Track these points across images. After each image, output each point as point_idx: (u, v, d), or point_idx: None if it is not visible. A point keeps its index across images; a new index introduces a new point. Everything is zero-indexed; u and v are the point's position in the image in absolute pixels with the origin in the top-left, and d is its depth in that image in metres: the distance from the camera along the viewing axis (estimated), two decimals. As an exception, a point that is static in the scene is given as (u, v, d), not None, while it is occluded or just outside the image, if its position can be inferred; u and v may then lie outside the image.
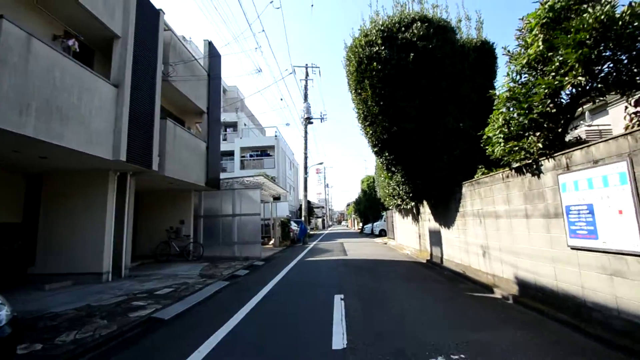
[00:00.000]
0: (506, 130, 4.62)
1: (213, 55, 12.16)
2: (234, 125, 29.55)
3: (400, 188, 8.76)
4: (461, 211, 7.13)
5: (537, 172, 4.39)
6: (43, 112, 4.91)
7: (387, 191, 11.44)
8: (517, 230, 4.94)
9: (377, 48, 7.36)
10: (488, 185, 5.84)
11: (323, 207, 58.97)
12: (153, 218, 11.70)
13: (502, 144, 4.74)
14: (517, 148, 4.51)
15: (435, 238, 8.87)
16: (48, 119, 5.00)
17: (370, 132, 7.86)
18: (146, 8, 7.78)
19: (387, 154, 7.88)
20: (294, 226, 20.08)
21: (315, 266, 9.04)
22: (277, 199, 21.30)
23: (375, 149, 8.12)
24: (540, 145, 4.22)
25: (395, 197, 10.52)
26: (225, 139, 29.09)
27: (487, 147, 5.21)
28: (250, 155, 28.44)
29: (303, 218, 19.44)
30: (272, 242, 17.33)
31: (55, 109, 5.15)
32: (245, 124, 30.27)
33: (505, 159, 4.82)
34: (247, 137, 29.30)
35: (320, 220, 55.34)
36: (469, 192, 6.73)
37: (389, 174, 9.06)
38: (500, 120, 4.67)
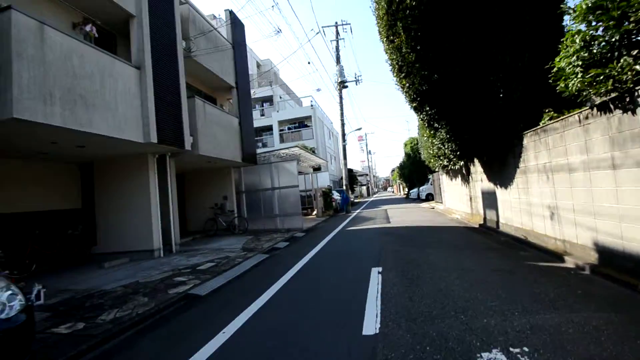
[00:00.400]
0: (586, 54, 3.50)
1: (235, 25, 11.64)
2: (270, 100, 29.38)
3: (446, 147, 7.75)
4: (522, 167, 6.04)
5: (631, 106, 3.29)
6: (67, 101, 4.95)
7: (431, 152, 10.38)
8: (599, 186, 3.92)
9: (410, -19, 6.19)
10: (558, 132, 4.72)
11: (367, 175, 57.92)
12: (199, 196, 12.24)
13: (579, 75, 3.63)
14: (602, 77, 3.40)
15: (490, 200, 7.85)
16: (73, 107, 5.05)
17: (407, 84, 6.89)
18: (157, -19, 7.42)
19: (427, 108, 6.89)
20: (336, 195, 19.84)
21: (355, 236, 8.69)
22: (317, 169, 21.10)
23: (414, 104, 7.16)
24: (638, 67, 3.09)
25: (441, 158, 9.48)
26: (263, 114, 29.24)
27: (557, 83, 4.10)
28: (289, 128, 28.31)
29: (344, 187, 19.05)
30: (315, 212, 17.37)
31: (78, 96, 5.18)
32: (280, 97, 29.91)
33: (585, 93, 3.72)
34: (284, 110, 29.04)
35: (364, 187, 54.70)
36: (532, 143, 5.61)
37: (432, 132, 8.05)
38: (577, 41, 3.54)
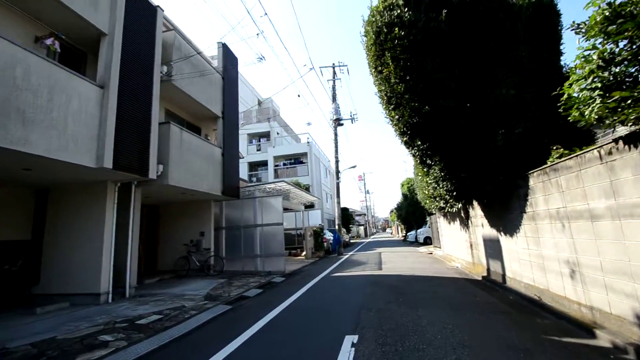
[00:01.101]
0: (605, 74, 2.82)
1: (227, 57, 11.53)
2: (267, 135, 29.39)
3: (441, 186, 6.93)
4: (529, 212, 5.17)
5: (674, 138, 2.53)
6: (-3, 113, 4.25)
7: (426, 192, 9.57)
8: (636, 239, 3.03)
9: (399, 11, 5.85)
10: (573, 171, 3.93)
11: (365, 214, 56.71)
12: (174, 230, 11.20)
13: (597, 100, 2.93)
14: (629, 101, 2.69)
15: (493, 249, 6.86)
16: (5, 121, 4.33)
17: (397, 117, 6.28)
18: (139, 3, 7.18)
19: (419, 142, 6.20)
20: (328, 235, 18.67)
21: (339, 285, 7.53)
22: (309, 206, 20.18)
23: (405, 138, 6.49)
24: (681, 88, 2.38)
25: (437, 199, 8.63)
26: (259, 149, 29.05)
27: (569, 112, 3.40)
28: (284, 164, 27.90)
29: (337, 227, 17.97)
30: (304, 253, 16.09)
31: (15, 110, 4.49)
32: (278, 133, 29.93)
33: (608, 122, 2.99)
34: (281, 146, 28.87)
35: (362, 228, 53.16)
36: (540, 184, 4.80)
37: (425, 169, 7.28)
38: (594, 60, 2.88)
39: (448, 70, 5.60)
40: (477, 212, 7.71)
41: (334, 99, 18.94)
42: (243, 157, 20.02)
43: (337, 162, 18.44)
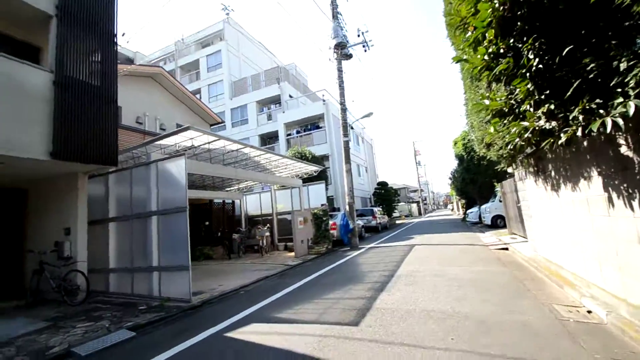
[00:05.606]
0: None
1: None
2: (278, 100, 24.02)
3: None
4: None
5: None
6: None
7: (483, 114, 3.23)
8: None
9: None
10: None
11: (417, 190, 48.67)
12: (42, 228, 6.82)
13: None
14: None
15: None
16: None
17: None
18: None
19: None
20: (339, 220, 12.93)
21: None
22: (313, 179, 14.17)
23: None
24: None
25: (522, 107, 2.34)
26: (270, 118, 23.99)
27: None
28: (297, 132, 22.42)
29: (347, 207, 12.02)
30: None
31: None
32: (290, 96, 24.33)
33: None
34: (294, 109, 23.26)
35: (414, 205, 45.55)
36: None
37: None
38: None
39: None
40: None
41: (334, 15, 12.54)
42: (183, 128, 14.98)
43: (343, 111, 12.29)
